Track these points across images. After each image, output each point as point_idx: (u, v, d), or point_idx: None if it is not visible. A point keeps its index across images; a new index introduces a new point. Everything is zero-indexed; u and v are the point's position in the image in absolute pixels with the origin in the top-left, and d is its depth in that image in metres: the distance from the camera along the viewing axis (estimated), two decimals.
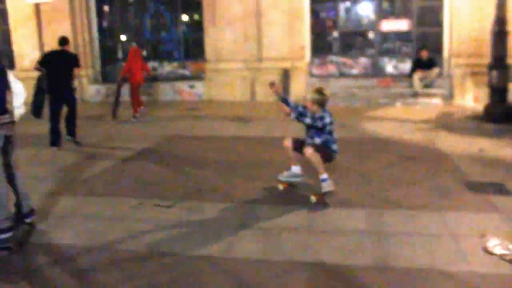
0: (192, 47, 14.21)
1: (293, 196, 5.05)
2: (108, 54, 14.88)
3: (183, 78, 13.96)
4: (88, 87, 14.31)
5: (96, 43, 14.75)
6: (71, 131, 7.93)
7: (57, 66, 7.51)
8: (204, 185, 5.44)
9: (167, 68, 14.30)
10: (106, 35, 15.03)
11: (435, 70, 11.83)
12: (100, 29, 14.88)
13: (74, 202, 5.02)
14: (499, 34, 8.67)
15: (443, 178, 5.54)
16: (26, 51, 14.67)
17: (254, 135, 8.53)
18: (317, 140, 4.89)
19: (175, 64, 14.26)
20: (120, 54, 14.71)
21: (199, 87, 13.36)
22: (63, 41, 7.88)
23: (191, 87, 13.47)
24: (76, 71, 7.88)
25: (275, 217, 4.45)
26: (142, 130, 9.27)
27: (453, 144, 7.40)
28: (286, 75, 12.29)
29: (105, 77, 14.51)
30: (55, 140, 7.58)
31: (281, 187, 5.24)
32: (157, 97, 13.59)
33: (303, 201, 4.82)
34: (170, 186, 5.44)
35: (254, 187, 5.34)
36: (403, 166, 6.16)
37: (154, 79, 13.23)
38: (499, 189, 5.14)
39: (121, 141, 8.23)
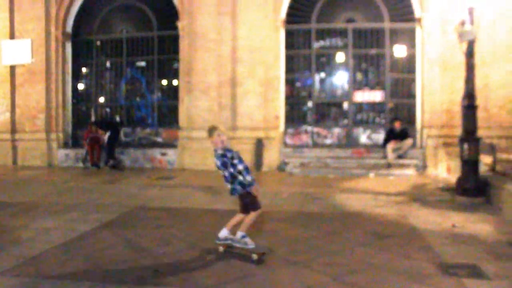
0: (167, 114, 14.21)
1: None
2: (81, 118, 14.73)
3: (156, 145, 13.80)
4: (57, 151, 14.02)
5: (69, 106, 14.64)
6: None
7: None
8: (163, 266, 5.09)
9: (139, 134, 14.16)
10: (81, 98, 14.95)
11: (408, 141, 11.94)
12: (75, 92, 14.82)
13: (18, 286, 4.60)
14: (468, 108, 8.77)
15: (415, 260, 5.30)
16: None
17: (225, 207, 8.24)
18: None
19: (148, 130, 14.15)
20: (93, 118, 14.57)
21: (171, 155, 13.19)
22: None
23: (163, 154, 13.28)
24: None
25: None
26: (107, 199, 8.93)
27: (426, 219, 7.24)
28: (259, 144, 12.22)
29: (76, 141, 14.24)
30: None
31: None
32: (127, 164, 13.35)
33: None
34: (126, 267, 5.07)
35: (224, 269, 5.01)
36: (373, 244, 5.92)
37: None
38: (473, 271, 4.92)
39: (84, 211, 7.86)
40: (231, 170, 5.16)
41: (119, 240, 6.13)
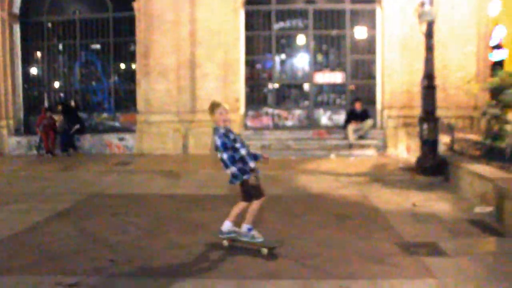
0: (124, 98, 13.80)
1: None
2: (33, 104, 14.11)
3: (113, 130, 13.38)
4: (8, 139, 13.37)
5: (20, 91, 13.96)
6: None
7: None
8: (119, 255, 4.86)
9: (96, 119, 13.68)
10: (32, 83, 14.31)
11: (369, 122, 11.98)
12: (26, 77, 14.15)
13: None
14: (427, 88, 8.85)
15: (376, 239, 5.28)
16: None
17: (184, 192, 8.07)
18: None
19: (104, 115, 13.69)
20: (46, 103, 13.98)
21: (130, 140, 12.80)
22: None
23: (121, 139, 12.88)
24: None
25: None
26: (61, 187, 8.57)
27: (387, 199, 7.28)
28: None
29: (28, 128, 13.66)
30: None
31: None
32: (83, 150, 12.90)
33: None
34: (80, 258, 4.81)
35: (177, 255, 4.83)
36: (335, 226, 5.89)
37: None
38: (433, 249, 4.94)
39: (36, 200, 7.50)
40: (231, 153, 4.71)
41: (73, 230, 5.85)
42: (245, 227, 4.88)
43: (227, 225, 4.94)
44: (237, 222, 4.99)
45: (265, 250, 4.73)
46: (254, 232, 4.86)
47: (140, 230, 5.78)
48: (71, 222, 6.24)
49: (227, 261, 4.67)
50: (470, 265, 4.50)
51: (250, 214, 4.86)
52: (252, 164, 4.72)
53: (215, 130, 4.78)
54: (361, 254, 4.80)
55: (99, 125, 13.63)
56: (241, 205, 4.92)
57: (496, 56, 13.89)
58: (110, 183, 8.96)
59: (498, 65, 12.86)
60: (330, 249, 4.95)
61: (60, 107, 13.02)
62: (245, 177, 4.73)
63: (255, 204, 4.84)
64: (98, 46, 13.93)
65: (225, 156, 4.72)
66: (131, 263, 4.66)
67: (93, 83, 14.10)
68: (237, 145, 4.72)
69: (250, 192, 4.82)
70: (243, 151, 4.71)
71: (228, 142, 4.69)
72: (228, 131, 4.73)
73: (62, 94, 14.18)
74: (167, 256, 4.84)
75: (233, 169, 4.71)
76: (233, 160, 4.71)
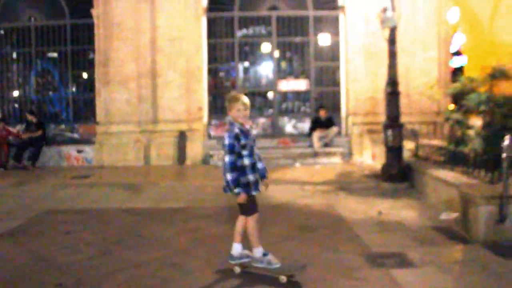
0: (83, 108, 13.29)
1: None
2: None
3: (71, 141, 12.85)
4: None
5: None
6: None
7: None
8: (68, 278, 4.51)
9: (53, 131, 13.11)
10: None
11: (334, 129, 11.93)
12: None
13: None
14: (391, 94, 8.82)
15: (342, 251, 5.11)
16: None
17: (145, 206, 7.73)
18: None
19: (62, 126, 13.13)
20: None
21: (89, 152, 12.29)
22: None
23: (80, 151, 12.35)
24: None
25: None
26: (13, 204, 8.08)
27: (352, 207, 7.16)
28: (182, 137, 11.71)
29: None
30: None
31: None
32: (40, 163, 12.32)
33: None
34: (25, 283, 4.44)
35: (132, 275, 4.52)
36: (300, 238, 5.69)
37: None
38: (400, 260, 4.82)
39: None
40: (234, 158, 4.18)
41: (20, 251, 5.44)
42: (258, 252, 4.38)
43: (237, 248, 4.43)
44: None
45: (284, 278, 4.22)
46: (270, 257, 4.35)
47: (94, 249, 5.42)
48: (19, 242, 5.81)
49: (181, 279, 4.39)
50: (437, 275, 4.40)
51: (252, 235, 4.37)
52: (251, 178, 4.26)
53: (230, 126, 4.29)
54: (327, 268, 4.61)
55: (57, 136, 13.03)
56: (241, 219, 4.41)
57: (456, 62, 14.13)
58: (66, 198, 8.51)
59: (458, 71, 13.07)
60: (294, 263, 4.72)
61: (34, 119, 12.34)
62: (236, 190, 4.21)
63: (250, 223, 4.34)
64: (55, 54, 13.38)
65: (226, 159, 4.21)
66: (80, 286, 4.32)
67: (50, 93, 13.53)
68: (244, 152, 4.23)
69: (242, 208, 4.35)
70: (246, 161, 4.23)
71: (236, 146, 4.20)
72: (242, 133, 4.22)
73: (16, 105, 13.56)
74: (120, 276, 4.52)
75: (228, 176, 4.20)
76: (232, 167, 4.18)
